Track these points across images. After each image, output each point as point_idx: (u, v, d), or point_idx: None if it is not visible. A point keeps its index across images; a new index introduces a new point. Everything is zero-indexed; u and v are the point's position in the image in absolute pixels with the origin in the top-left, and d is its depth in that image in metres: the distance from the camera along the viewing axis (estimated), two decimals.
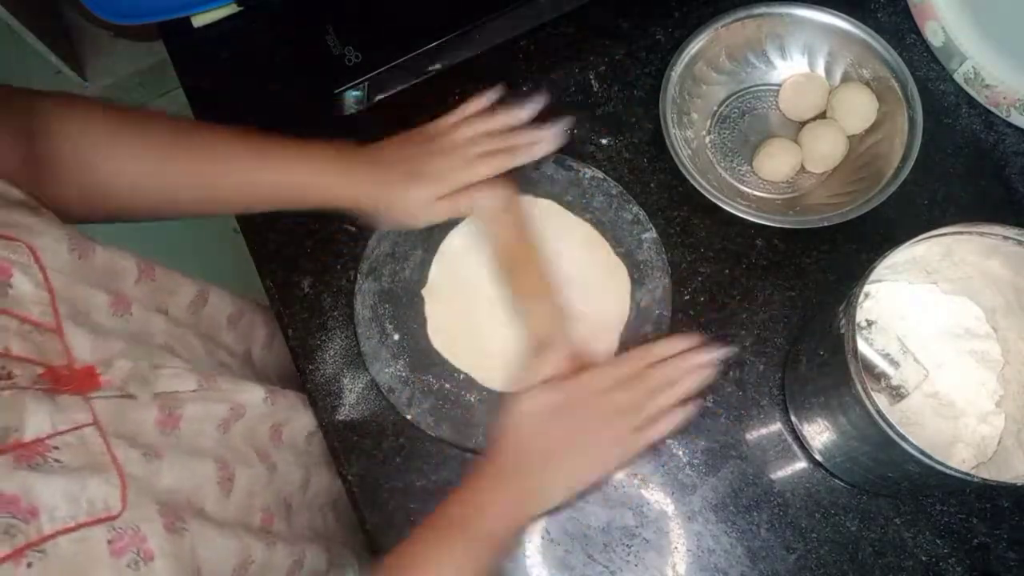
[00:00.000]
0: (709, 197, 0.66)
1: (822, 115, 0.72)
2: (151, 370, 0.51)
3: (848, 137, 0.70)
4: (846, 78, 0.72)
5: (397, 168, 0.62)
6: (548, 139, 0.65)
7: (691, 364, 0.59)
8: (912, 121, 0.66)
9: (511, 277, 0.64)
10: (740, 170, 0.73)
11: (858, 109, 0.69)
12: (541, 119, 0.75)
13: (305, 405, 0.69)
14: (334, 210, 0.63)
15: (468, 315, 0.68)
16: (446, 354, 0.67)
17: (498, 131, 0.65)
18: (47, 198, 0.52)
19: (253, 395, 0.61)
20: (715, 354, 0.59)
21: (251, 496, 0.58)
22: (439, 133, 0.65)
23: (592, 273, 0.69)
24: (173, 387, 0.53)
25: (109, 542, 0.42)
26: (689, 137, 0.71)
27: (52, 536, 0.40)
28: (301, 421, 0.69)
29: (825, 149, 0.70)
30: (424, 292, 0.69)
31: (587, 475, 0.56)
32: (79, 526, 0.41)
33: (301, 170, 0.61)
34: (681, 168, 0.67)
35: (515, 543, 0.60)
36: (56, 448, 0.42)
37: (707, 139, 0.73)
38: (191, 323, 0.64)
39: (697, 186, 0.66)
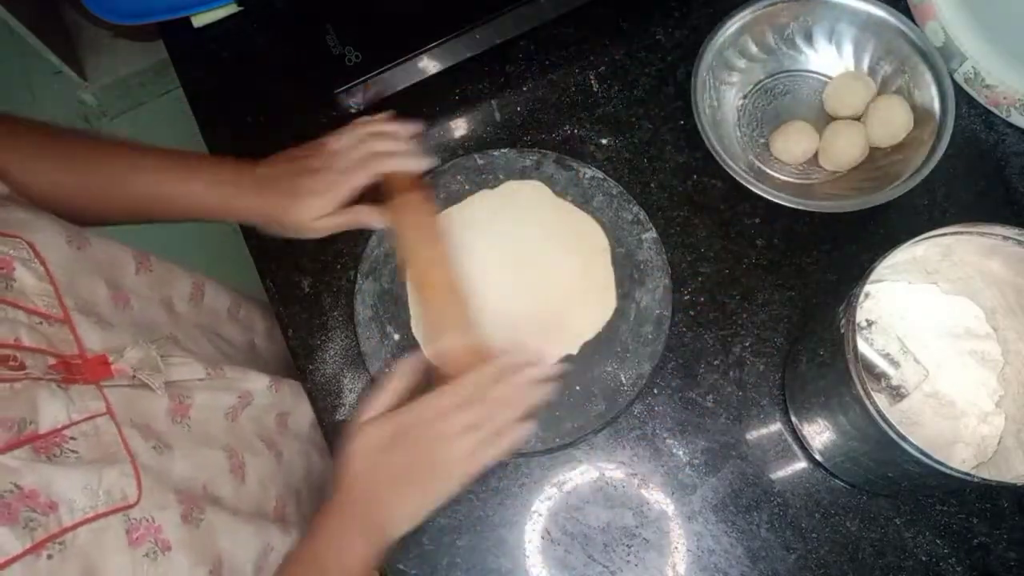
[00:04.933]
0: (718, 160, 0.66)
1: (857, 117, 0.71)
2: (161, 358, 0.52)
3: (873, 149, 0.69)
4: (893, 87, 0.71)
5: (280, 186, 0.63)
6: (419, 152, 0.64)
7: (528, 379, 0.58)
8: (933, 150, 0.65)
9: (421, 293, 0.63)
10: (758, 143, 0.72)
11: (892, 124, 0.68)
12: (541, 120, 0.75)
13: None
14: (233, 221, 0.65)
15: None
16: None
17: (371, 136, 0.65)
18: None
19: (258, 383, 0.63)
20: (549, 371, 0.59)
21: (263, 483, 0.59)
22: (319, 145, 0.65)
23: (570, 260, 0.69)
24: (183, 375, 0.54)
25: (127, 531, 0.43)
26: (715, 105, 0.70)
27: (72, 528, 0.40)
28: (304, 408, 0.69)
29: (841, 148, 0.69)
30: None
31: (433, 498, 0.55)
32: (97, 516, 0.42)
33: (195, 186, 0.62)
34: (700, 130, 0.67)
35: (373, 572, 0.58)
36: (72, 439, 0.43)
37: (739, 103, 0.73)
38: (192, 315, 0.65)
39: (711, 148, 0.66)
